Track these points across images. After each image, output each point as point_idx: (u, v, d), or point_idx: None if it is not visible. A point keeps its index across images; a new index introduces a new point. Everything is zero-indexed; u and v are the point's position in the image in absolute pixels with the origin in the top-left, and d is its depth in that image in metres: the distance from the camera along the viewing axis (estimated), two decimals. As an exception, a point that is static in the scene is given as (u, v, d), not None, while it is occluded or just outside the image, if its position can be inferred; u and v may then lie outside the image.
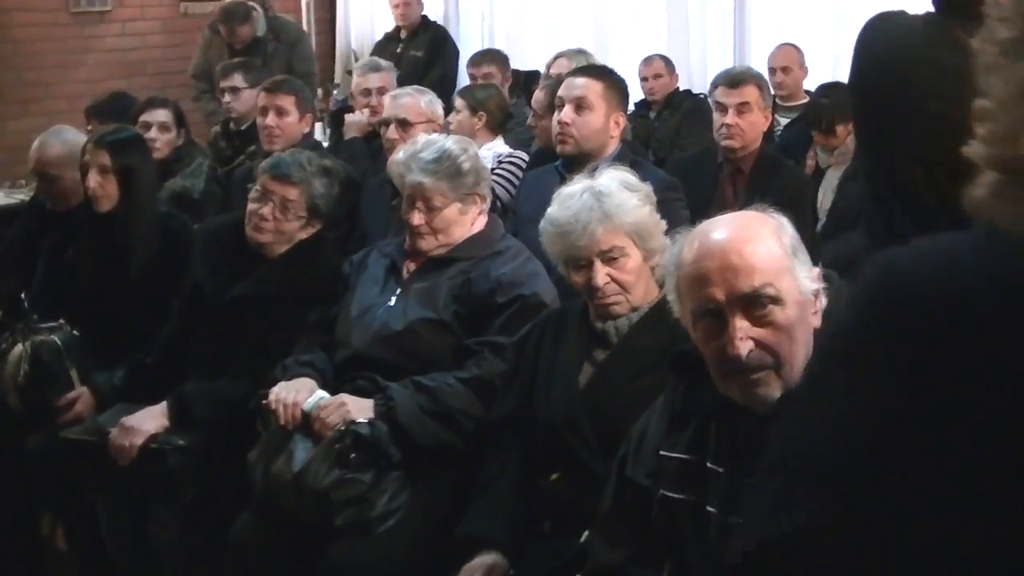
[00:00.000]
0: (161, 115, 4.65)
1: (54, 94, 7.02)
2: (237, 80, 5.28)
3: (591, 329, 2.53)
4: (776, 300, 1.76)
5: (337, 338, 2.97)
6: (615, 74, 3.86)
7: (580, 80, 3.63)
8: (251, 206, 3.17)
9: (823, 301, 1.81)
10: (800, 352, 1.76)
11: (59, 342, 3.40)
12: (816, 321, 1.79)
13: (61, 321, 3.47)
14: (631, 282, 2.48)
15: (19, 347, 3.39)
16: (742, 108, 4.04)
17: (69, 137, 3.95)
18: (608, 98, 3.58)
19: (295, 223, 3.16)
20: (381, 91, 4.95)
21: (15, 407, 3.41)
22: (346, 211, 4.11)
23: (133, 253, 3.50)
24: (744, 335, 1.75)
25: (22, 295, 3.61)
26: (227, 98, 5.33)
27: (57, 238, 3.78)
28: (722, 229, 1.82)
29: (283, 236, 3.17)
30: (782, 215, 1.88)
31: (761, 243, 1.79)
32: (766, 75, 5.54)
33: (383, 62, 5.28)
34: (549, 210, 2.57)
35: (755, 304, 1.76)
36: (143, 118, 4.60)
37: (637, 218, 2.49)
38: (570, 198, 2.52)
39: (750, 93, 4.05)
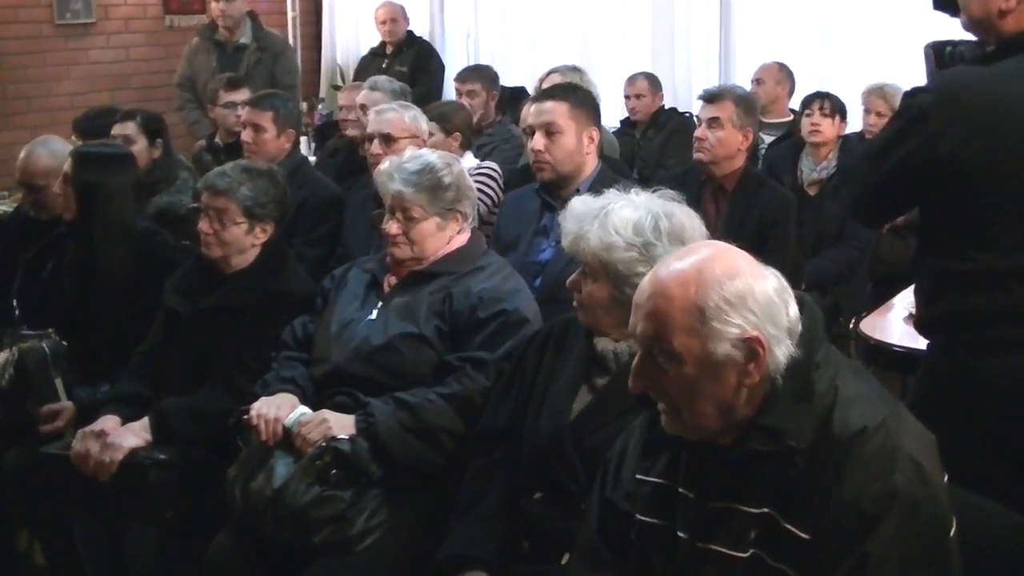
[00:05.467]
0: (129, 128, 4.55)
1: (37, 107, 7.01)
2: (245, 94, 5.23)
3: (591, 351, 2.47)
4: (672, 357, 1.73)
5: (316, 353, 2.95)
6: (579, 89, 3.83)
7: (546, 105, 3.57)
8: (199, 226, 3.19)
9: (777, 357, 1.71)
10: (701, 407, 1.74)
11: (47, 350, 3.36)
12: (756, 376, 1.72)
13: (50, 330, 3.44)
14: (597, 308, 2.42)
15: (5, 353, 3.36)
16: (713, 123, 4.05)
17: (56, 147, 3.91)
18: (576, 116, 3.53)
19: (236, 230, 3.15)
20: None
21: (-4, 414, 3.37)
22: (329, 229, 4.11)
23: (102, 268, 3.46)
24: (636, 373, 1.79)
25: (13, 302, 3.59)
26: (225, 111, 5.31)
27: (38, 249, 3.75)
28: (666, 267, 1.77)
29: (231, 246, 3.17)
30: (746, 264, 1.75)
31: (678, 297, 1.72)
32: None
33: (384, 87, 5.02)
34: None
35: (654, 351, 1.75)
36: (113, 131, 4.53)
37: (616, 258, 2.36)
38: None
39: (724, 109, 4.05)
